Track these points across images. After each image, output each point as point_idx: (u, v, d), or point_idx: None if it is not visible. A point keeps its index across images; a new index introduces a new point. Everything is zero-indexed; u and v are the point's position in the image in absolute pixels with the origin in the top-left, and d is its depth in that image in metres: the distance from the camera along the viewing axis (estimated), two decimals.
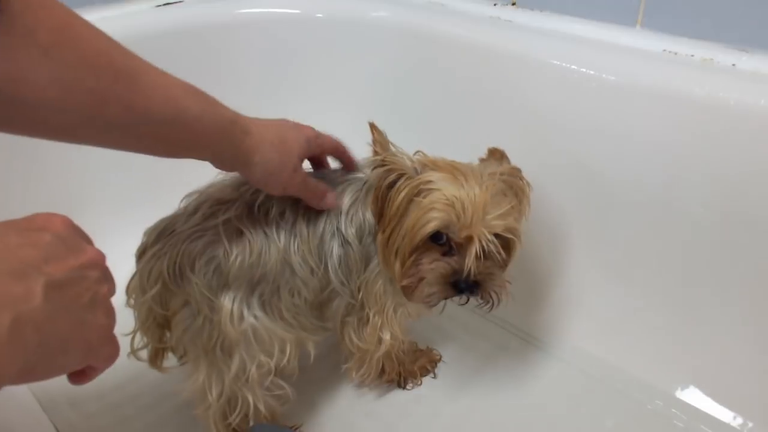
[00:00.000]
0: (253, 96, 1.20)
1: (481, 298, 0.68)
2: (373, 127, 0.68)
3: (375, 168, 0.68)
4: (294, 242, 0.68)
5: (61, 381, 0.43)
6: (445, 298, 0.68)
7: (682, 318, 0.87)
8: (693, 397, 0.85)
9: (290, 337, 0.71)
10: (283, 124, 0.67)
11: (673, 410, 0.84)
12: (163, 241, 0.67)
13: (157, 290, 0.67)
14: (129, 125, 0.52)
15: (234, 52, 1.17)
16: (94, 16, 1.19)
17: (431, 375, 0.91)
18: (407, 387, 0.89)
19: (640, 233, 0.88)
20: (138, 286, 0.69)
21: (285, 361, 0.72)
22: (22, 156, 0.96)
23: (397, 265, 0.67)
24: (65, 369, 0.40)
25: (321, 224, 0.70)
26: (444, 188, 0.64)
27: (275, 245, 0.67)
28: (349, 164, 0.75)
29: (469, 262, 0.64)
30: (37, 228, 0.38)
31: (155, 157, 0.58)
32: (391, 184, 0.66)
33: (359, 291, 0.72)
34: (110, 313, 0.43)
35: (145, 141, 0.55)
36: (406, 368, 0.88)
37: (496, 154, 0.74)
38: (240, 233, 0.66)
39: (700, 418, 0.83)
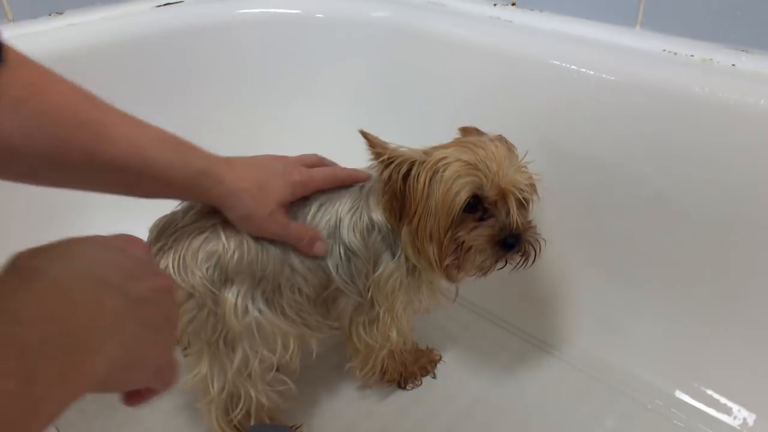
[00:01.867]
0: (253, 96, 1.20)
1: (524, 251, 0.68)
2: (364, 133, 0.68)
3: (383, 167, 0.67)
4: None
5: None
6: (496, 261, 0.68)
7: (683, 318, 0.87)
8: (693, 397, 0.85)
9: (293, 333, 0.72)
10: (267, 167, 0.67)
11: (673, 410, 0.84)
12: (166, 237, 0.68)
13: None
14: (92, 171, 0.55)
15: (234, 52, 1.17)
16: (94, 16, 1.20)
17: (431, 375, 0.91)
18: (407, 387, 0.89)
19: (640, 233, 0.88)
20: None
21: (287, 356, 0.72)
22: None
23: (434, 249, 0.67)
24: (131, 385, 0.40)
25: (320, 226, 0.70)
26: (461, 156, 0.65)
27: (273, 244, 0.68)
28: (353, 183, 0.74)
29: (513, 213, 0.65)
30: (119, 248, 0.40)
31: None
32: (405, 175, 0.66)
33: (368, 290, 0.72)
34: (175, 340, 0.45)
35: (112, 186, 0.59)
36: (407, 369, 0.88)
37: (471, 131, 0.75)
38: (237, 231, 0.67)
39: (700, 418, 0.83)
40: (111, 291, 0.36)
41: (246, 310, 0.68)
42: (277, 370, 0.75)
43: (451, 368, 0.92)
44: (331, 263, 0.70)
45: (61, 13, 1.07)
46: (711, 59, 0.82)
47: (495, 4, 1.04)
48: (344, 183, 0.73)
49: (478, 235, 0.66)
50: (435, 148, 0.68)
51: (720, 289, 0.83)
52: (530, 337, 0.97)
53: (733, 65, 0.81)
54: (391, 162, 0.66)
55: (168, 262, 0.67)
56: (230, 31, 1.16)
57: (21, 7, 1.03)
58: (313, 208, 0.71)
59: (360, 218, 0.71)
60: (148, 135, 0.59)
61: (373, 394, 0.89)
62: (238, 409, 0.73)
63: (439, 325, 0.97)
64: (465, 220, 0.66)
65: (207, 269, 0.66)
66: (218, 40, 1.15)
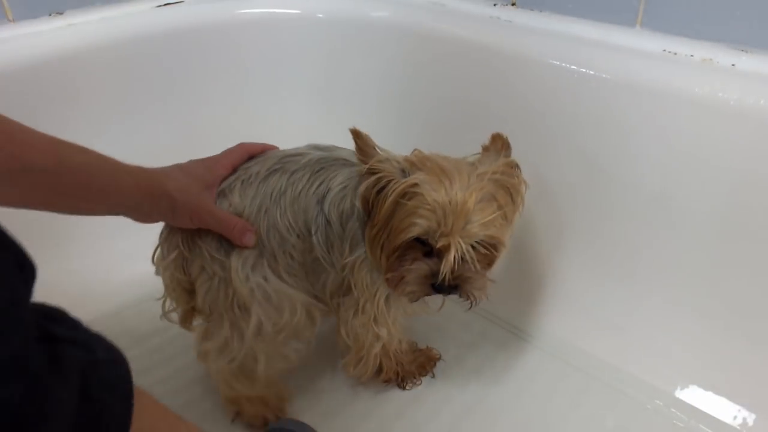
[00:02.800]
0: (253, 96, 1.20)
1: (460, 297, 0.70)
2: (355, 133, 0.68)
3: (363, 176, 0.69)
4: (279, 207, 0.72)
5: None
6: (425, 295, 0.70)
7: (683, 318, 0.87)
8: (693, 397, 0.85)
9: (299, 298, 0.75)
10: (193, 162, 0.73)
11: (673, 410, 0.84)
12: None
13: (174, 257, 0.73)
14: (12, 172, 0.54)
15: (234, 52, 1.17)
16: (94, 16, 1.20)
17: (430, 375, 0.91)
18: (407, 387, 0.89)
19: (640, 233, 0.88)
20: (160, 256, 0.75)
21: (295, 322, 0.75)
22: None
23: (383, 259, 0.70)
24: None
25: (307, 190, 0.72)
26: (427, 193, 0.64)
27: (262, 208, 0.72)
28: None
29: (445, 268, 0.66)
30: None
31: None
32: (380, 189, 0.67)
33: (344, 270, 0.74)
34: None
35: (38, 192, 0.58)
36: (404, 368, 0.88)
37: (498, 142, 0.73)
38: (231, 202, 0.72)
39: (700, 418, 0.83)
40: None
41: (247, 277, 0.71)
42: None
43: (450, 368, 0.92)
44: (313, 227, 0.72)
45: (61, 13, 1.07)
46: (711, 59, 0.82)
47: (495, 4, 1.04)
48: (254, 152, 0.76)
49: (413, 270, 0.68)
50: (419, 163, 0.67)
51: (720, 288, 0.83)
52: (530, 337, 0.97)
53: (733, 65, 0.81)
54: (372, 173, 0.67)
55: (178, 240, 0.72)
56: (230, 31, 1.16)
57: (21, 7, 1.03)
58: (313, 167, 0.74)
59: (343, 200, 0.72)
60: (61, 141, 0.59)
61: (372, 394, 0.89)
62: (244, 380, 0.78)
63: (438, 325, 0.97)
64: (413, 247, 0.68)
65: (211, 240, 0.71)
66: (218, 40, 1.15)
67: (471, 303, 0.70)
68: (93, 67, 1.03)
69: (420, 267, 0.68)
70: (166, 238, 0.74)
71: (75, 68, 1.01)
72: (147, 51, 1.09)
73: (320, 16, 1.16)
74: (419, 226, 0.65)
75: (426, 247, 0.67)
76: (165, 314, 0.79)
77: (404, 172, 0.67)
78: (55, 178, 0.58)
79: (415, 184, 0.65)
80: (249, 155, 0.75)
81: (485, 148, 0.73)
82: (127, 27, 1.08)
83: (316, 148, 0.76)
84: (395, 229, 0.66)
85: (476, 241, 0.66)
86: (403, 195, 0.66)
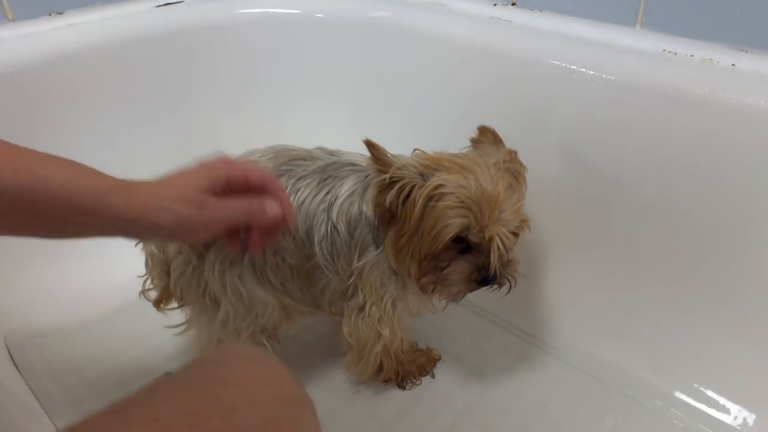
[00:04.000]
0: (252, 96, 1.20)
1: (500, 285, 0.70)
2: (369, 144, 0.67)
3: (385, 185, 0.67)
4: None
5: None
6: (469, 292, 0.71)
7: (682, 318, 0.87)
8: (693, 397, 0.85)
9: (273, 302, 0.75)
10: (178, 171, 0.60)
11: (673, 410, 0.84)
12: None
13: None
14: None
15: (234, 52, 1.17)
16: (94, 16, 1.20)
17: (430, 375, 0.91)
18: (407, 387, 0.89)
19: (640, 233, 0.88)
20: None
21: (266, 322, 0.76)
22: None
23: (414, 266, 0.69)
24: None
25: (313, 198, 0.71)
26: (457, 190, 0.64)
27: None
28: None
29: (494, 261, 0.66)
30: None
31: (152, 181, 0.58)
32: (405, 197, 0.67)
33: (350, 277, 0.74)
34: None
35: (11, 218, 0.51)
36: (404, 368, 0.88)
37: (488, 134, 0.74)
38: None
39: (700, 418, 0.83)
40: None
41: (224, 272, 0.71)
42: (263, 333, 0.80)
43: (450, 368, 0.92)
44: (317, 237, 0.72)
45: (61, 13, 1.07)
46: (711, 59, 0.82)
47: (495, 4, 1.04)
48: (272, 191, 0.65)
49: (456, 270, 0.68)
50: (434, 164, 0.67)
51: (720, 289, 0.83)
52: (530, 336, 0.97)
53: (733, 65, 0.80)
54: (393, 183, 0.66)
55: None
56: (230, 31, 1.16)
57: (21, 7, 1.03)
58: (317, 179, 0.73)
59: (351, 207, 0.71)
60: (40, 157, 0.51)
61: (372, 394, 0.89)
62: None
63: (438, 325, 0.97)
64: (449, 248, 0.67)
65: None
66: (218, 40, 1.15)
67: (510, 286, 0.71)
68: (93, 67, 1.03)
69: (462, 265, 0.68)
70: None
71: (75, 68, 1.01)
72: (147, 51, 1.09)
73: (320, 16, 1.16)
74: (456, 224, 0.65)
75: (462, 245, 0.67)
76: (143, 291, 0.79)
77: (423, 176, 0.66)
78: (25, 200, 0.49)
79: (441, 185, 0.65)
80: (226, 179, 0.60)
81: (474, 141, 0.74)
82: (127, 27, 1.08)
83: (325, 151, 0.76)
84: (428, 234, 0.66)
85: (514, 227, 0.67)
86: (430, 198, 0.65)
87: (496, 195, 0.64)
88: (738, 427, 0.81)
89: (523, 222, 0.69)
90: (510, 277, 0.70)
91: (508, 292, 0.71)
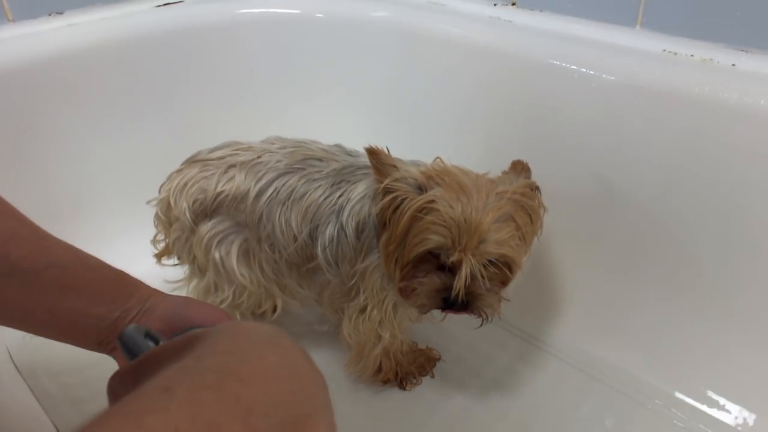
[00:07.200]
0: (253, 96, 1.20)
1: (471, 314, 0.70)
2: (370, 152, 0.68)
3: (380, 195, 0.69)
4: (282, 202, 0.73)
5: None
6: (435, 309, 0.70)
7: (683, 318, 0.87)
8: (693, 397, 0.85)
9: (252, 289, 0.79)
10: None
11: (673, 410, 0.84)
12: (185, 164, 0.79)
13: (162, 198, 0.79)
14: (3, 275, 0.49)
15: (234, 52, 1.17)
16: (94, 16, 1.20)
17: (429, 375, 0.91)
18: (406, 387, 0.89)
19: (640, 233, 0.88)
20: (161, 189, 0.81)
21: (246, 304, 0.81)
22: (25, 160, 0.96)
23: (397, 271, 0.70)
24: None
25: (324, 200, 0.73)
26: (444, 209, 0.64)
27: (263, 195, 0.74)
28: None
29: (457, 284, 0.66)
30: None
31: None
32: (396, 207, 0.67)
33: (353, 278, 0.74)
34: None
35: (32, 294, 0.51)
36: (404, 368, 0.88)
37: (518, 167, 0.73)
38: (233, 176, 0.74)
39: (700, 418, 0.83)
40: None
41: (211, 247, 0.76)
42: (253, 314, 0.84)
43: (450, 368, 0.92)
44: (320, 241, 0.73)
45: (61, 13, 1.07)
46: (711, 59, 0.82)
47: (495, 4, 1.04)
48: None
49: (425, 282, 0.68)
50: (437, 177, 0.67)
51: (720, 289, 0.83)
52: (530, 336, 0.97)
53: (733, 65, 0.80)
54: (388, 193, 0.68)
55: (172, 185, 0.77)
56: (230, 31, 1.16)
57: (21, 7, 1.03)
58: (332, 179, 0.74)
59: (361, 209, 0.72)
60: (51, 239, 0.53)
61: (371, 393, 0.88)
62: None
63: (439, 324, 0.97)
64: (427, 260, 0.68)
65: (192, 202, 0.75)
66: (218, 40, 1.15)
67: (482, 320, 0.70)
68: (93, 67, 1.03)
69: (432, 280, 0.68)
70: (169, 179, 0.79)
71: (75, 68, 1.01)
72: (147, 51, 1.09)
73: (320, 16, 1.16)
74: (432, 241, 0.65)
75: (439, 262, 0.67)
76: (153, 241, 0.84)
77: (421, 189, 0.67)
78: (39, 277, 0.50)
79: (432, 201, 0.65)
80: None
81: (505, 174, 0.73)
82: (127, 27, 1.08)
83: (343, 151, 0.77)
84: (410, 243, 0.67)
85: (489, 260, 0.66)
86: (420, 210, 0.66)
87: (478, 223, 0.63)
88: (738, 427, 0.81)
89: (507, 258, 0.66)
90: (481, 311, 0.69)
91: (480, 326, 0.71)
